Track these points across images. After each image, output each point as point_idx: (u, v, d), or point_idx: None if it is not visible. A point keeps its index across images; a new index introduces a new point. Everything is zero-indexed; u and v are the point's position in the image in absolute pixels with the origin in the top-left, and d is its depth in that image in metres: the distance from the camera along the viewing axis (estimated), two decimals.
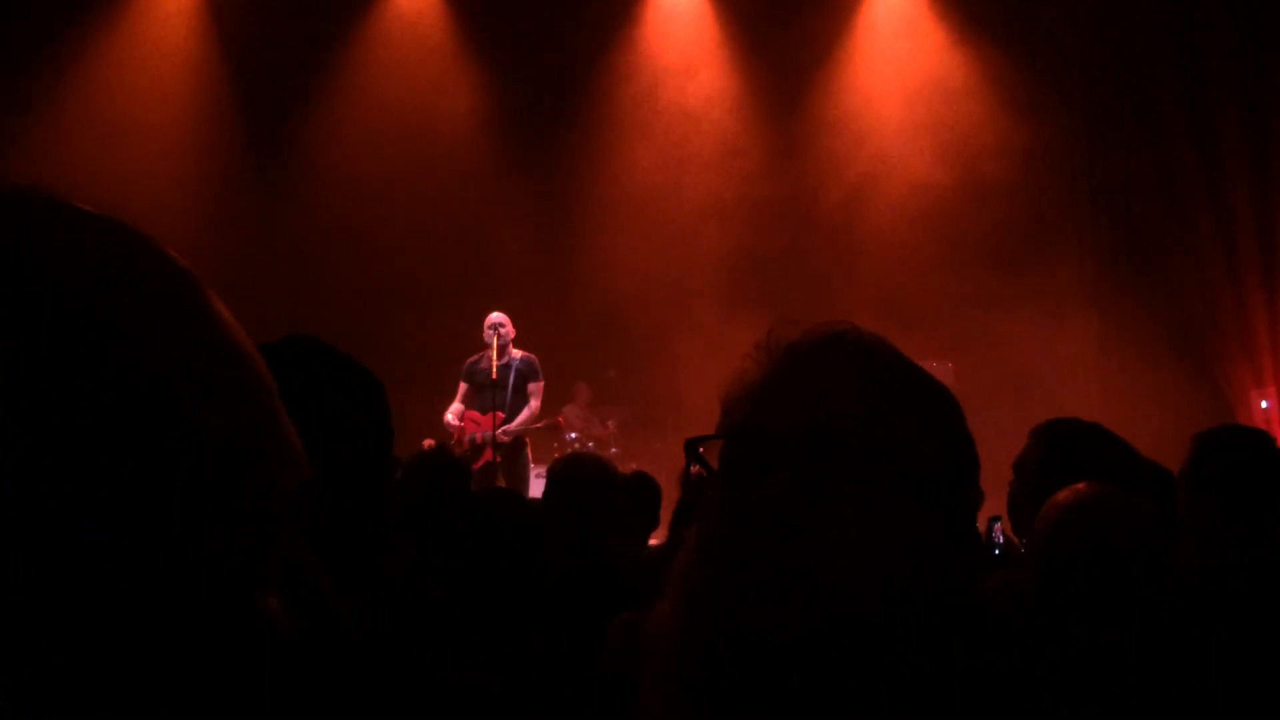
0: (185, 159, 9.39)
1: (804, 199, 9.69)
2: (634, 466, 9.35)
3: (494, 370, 7.10)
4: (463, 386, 7.39)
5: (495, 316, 7.27)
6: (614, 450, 9.13)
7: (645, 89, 9.79)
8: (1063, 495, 1.93)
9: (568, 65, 9.80)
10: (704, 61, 9.88)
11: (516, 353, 7.32)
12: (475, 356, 7.31)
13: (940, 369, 9.23)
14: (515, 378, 7.20)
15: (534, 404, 7.25)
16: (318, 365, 1.22)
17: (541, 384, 7.34)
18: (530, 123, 9.75)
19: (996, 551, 3.82)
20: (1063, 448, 2.29)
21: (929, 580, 0.81)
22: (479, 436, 7.19)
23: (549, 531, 2.59)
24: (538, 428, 7.45)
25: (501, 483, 7.18)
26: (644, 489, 3.64)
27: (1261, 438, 2.51)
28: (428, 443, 6.91)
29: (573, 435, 9.10)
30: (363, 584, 1.19)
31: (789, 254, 9.52)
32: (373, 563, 1.20)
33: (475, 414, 7.30)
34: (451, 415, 7.29)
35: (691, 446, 0.85)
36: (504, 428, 7.10)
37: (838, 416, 0.81)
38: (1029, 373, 8.73)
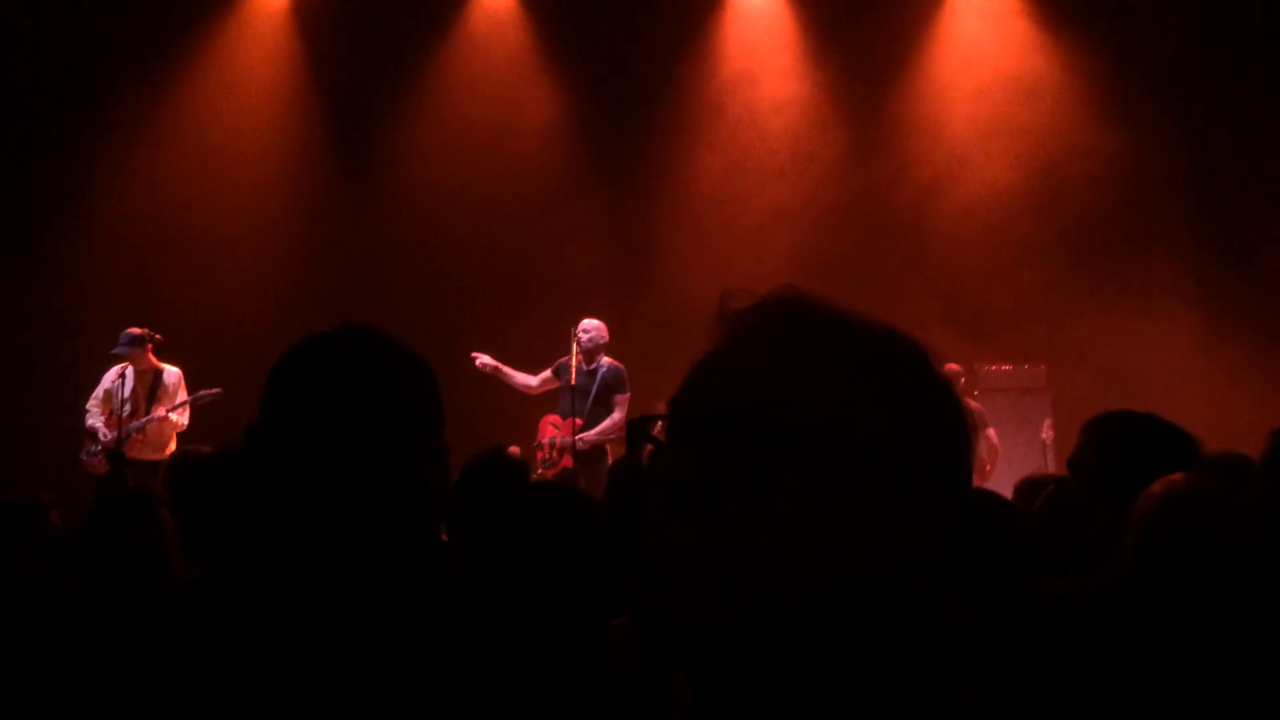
0: (276, 171, 9.67)
1: (878, 200, 9.54)
2: None
3: (574, 375, 7.09)
4: (546, 373, 7.34)
5: (584, 323, 7.20)
6: None
7: (718, 94, 9.75)
8: (1158, 488, 1.86)
9: (644, 71, 9.81)
10: (777, 65, 9.79)
11: (605, 361, 7.23)
12: (567, 357, 7.23)
13: (1032, 372, 9.00)
14: (599, 386, 7.13)
15: (617, 415, 7.13)
16: (370, 350, 1.23)
17: (627, 395, 7.20)
18: (606, 130, 9.78)
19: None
20: (1117, 442, 2.19)
21: (867, 581, 0.70)
22: (557, 441, 7.17)
23: (611, 530, 2.57)
24: (617, 440, 7.36)
25: (583, 486, 7.19)
26: None
27: None
28: (513, 449, 6.92)
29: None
30: (410, 564, 1.19)
31: (864, 258, 9.38)
32: (419, 547, 1.19)
33: (556, 418, 7.28)
34: (487, 359, 7.25)
35: (636, 426, 0.78)
36: (581, 436, 7.06)
37: (758, 388, 0.73)
38: (1127, 374, 8.44)
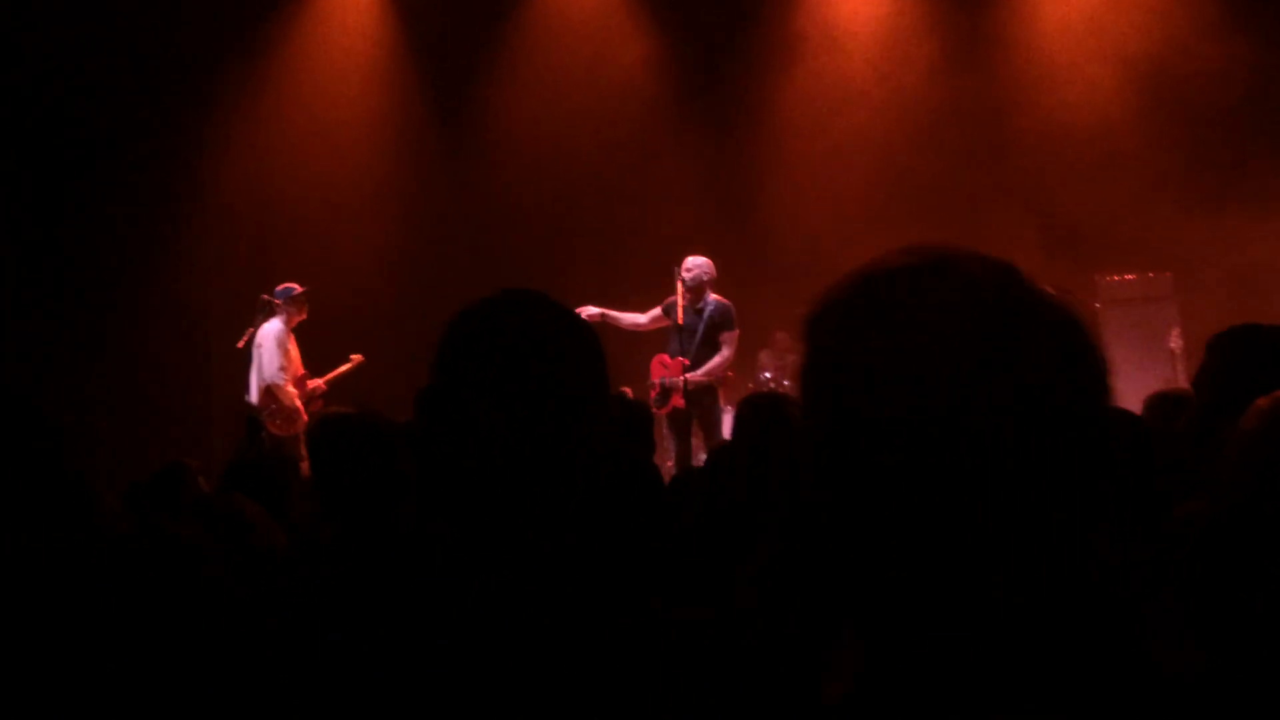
0: (378, 139, 9.83)
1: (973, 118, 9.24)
2: None
3: (680, 314, 7.05)
4: (656, 311, 7.34)
5: (687, 260, 7.09)
6: None
7: (802, 22, 9.53)
8: (1264, 402, 1.76)
9: (728, 9, 9.66)
10: None
11: (713, 298, 7.11)
12: (674, 297, 7.16)
13: (1157, 280, 8.66)
14: (706, 324, 7.05)
15: (726, 352, 7.05)
16: (539, 313, 1.28)
17: (736, 333, 7.11)
18: (700, 64, 9.67)
19: None
20: (1244, 356, 2.08)
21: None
22: (667, 381, 7.17)
23: (737, 470, 2.58)
24: (725, 376, 7.31)
25: (695, 428, 7.21)
26: None
27: None
28: (625, 390, 6.97)
29: (766, 375, 9.04)
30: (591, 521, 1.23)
31: (958, 175, 9.12)
32: (594, 503, 1.23)
33: (665, 357, 7.27)
34: (591, 308, 7.19)
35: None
36: (690, 375, 7.06)
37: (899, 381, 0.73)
38: (1257, 276, 8.06)
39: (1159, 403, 4.10)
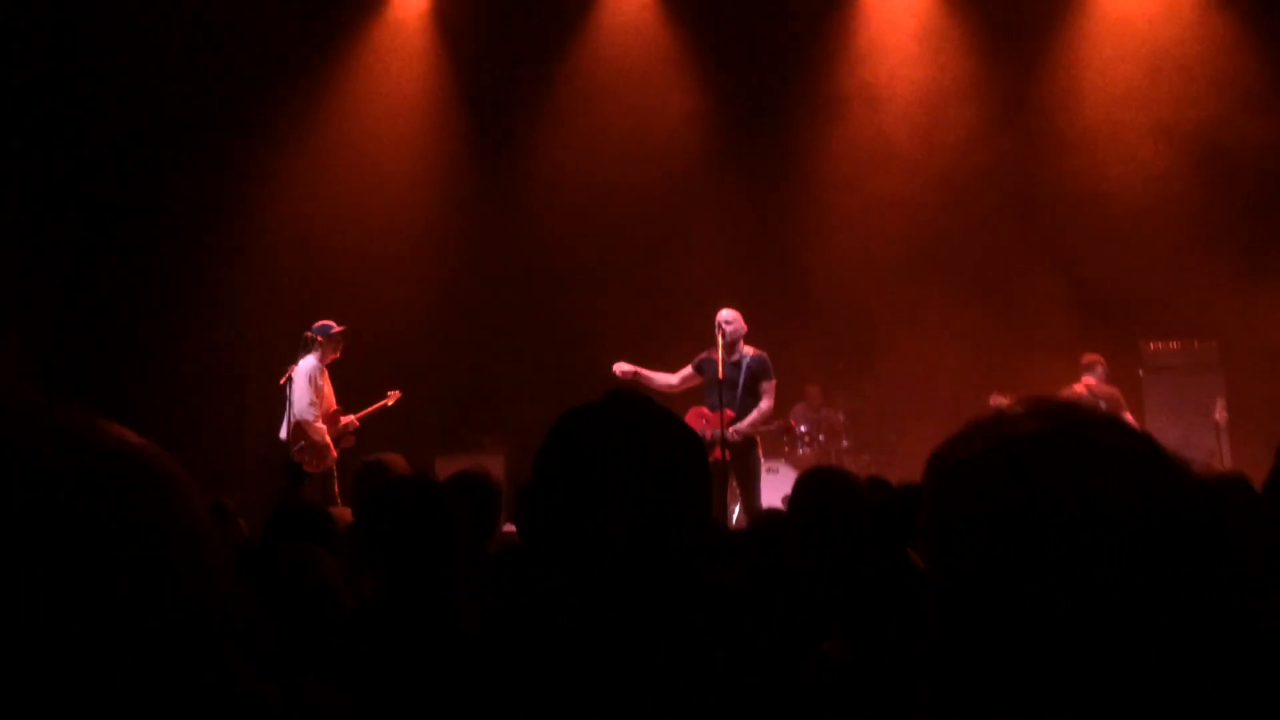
0: (423, 174, 9.95)
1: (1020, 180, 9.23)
2: (866, 459, 9.19)
3: (720, 368, 7.04)
4: (687, 370, 7.35)
5: (724, 313, 7.11)
6: (845, 443, 8.96)
7: (845, 81, 9.59)
8: None
9: (773, 61, 9.74)
10: (911, 45, 9.54)
11: (748, 350, 7.15)
12: (708, 351, 7.17)
13: (1203, 349, 8.54)
14: (746, 376, 7.06)
15: (765, 404, 7.06)
16: (645, 421, 1.26)
17: (774, 382, 7.13)
18: (743, 119, 9.73)
19: None
20: None
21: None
22: (708, 434, 7.12)
23: (797, 542, 2.53)
24: (769, 429, 7.30)
25: (733, 482, 7.14)
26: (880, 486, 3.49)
27: None
28: None
29: (803, 429, 8.99)
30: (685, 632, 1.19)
31: (1004, 240, 9.10)
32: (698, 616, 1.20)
33: (704, 410, 7.24)
34: (626, 366, 7.20)
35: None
36: (734, 427, 7.02)
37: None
38: None
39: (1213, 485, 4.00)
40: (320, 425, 7.21)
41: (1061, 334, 8.55)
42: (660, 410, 1.29)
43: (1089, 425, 0.81)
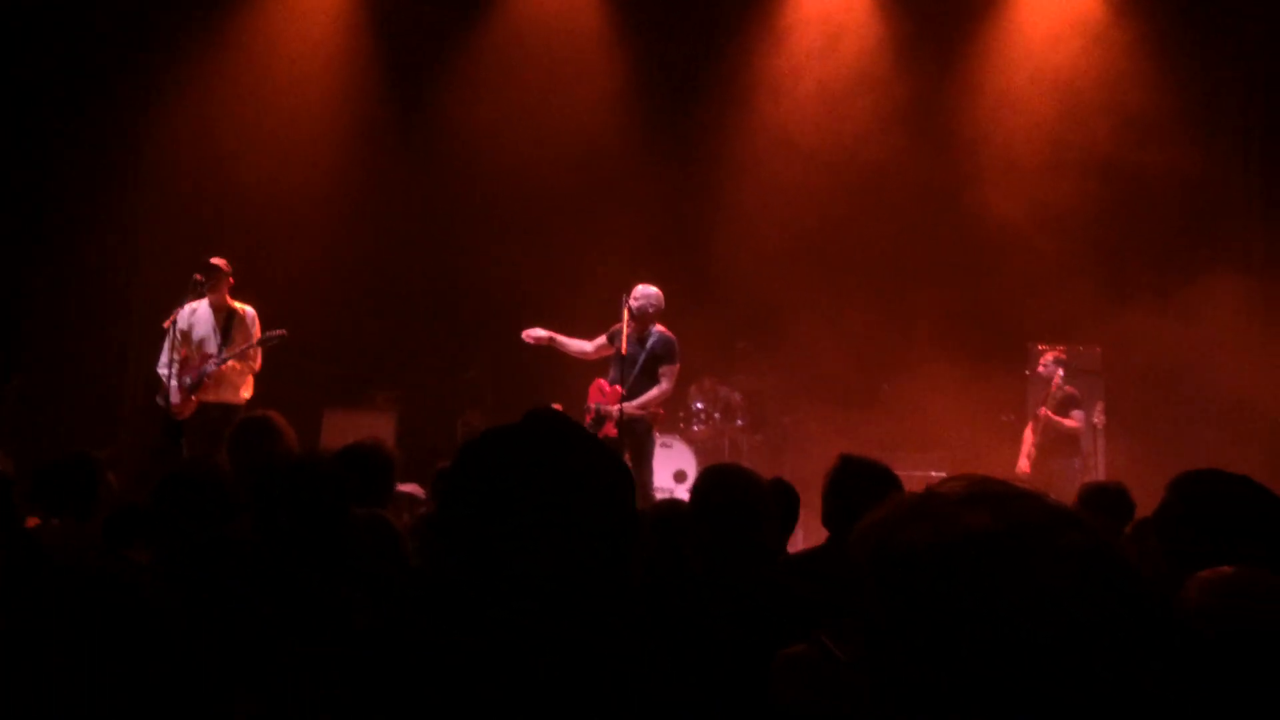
0: (333, 130, 9.57)
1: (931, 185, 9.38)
2: (759, 439, 9.28)
3: (625, 343, 6.98)
4: (601, 339, 7.27)
5: (637, 289, 7.03)
6: (739, 422, 9.02)
7: (766, 70, 9.59)
8: (1206, 576, 1.71)
9: (700, 40, 9.68)
10: (818, 39, 9.55)
11: (658, 330, 7.08)
12: (619, 324, 7.07)
13: (1087, 354, 8.87)
14: (647, 356, 7.00)
15: (664, 385, 7.01)
16: (562, 441, 1.22)
17: (676, 367, 7.06)
18: (661, 99, 9.66)
19: None
20: (1205, 505, 2.11)
21: None
22: (602, 408, 7.07)
23: (697, 540, 2.52)
24: (659, 414, 7.21)
25: (626, 458, 7.12)
26: (781, 494, 3.51)
27: None
28: (555, 406, 6.85)
29: (699, 405, 9.00)
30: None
31: (899, 239, 9.26)
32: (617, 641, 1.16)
33: (604, 384, 7.17)
34: (538, 331, 7.18)
35: None
36: (624, 405, 6.99)
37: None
38: (1179, 360, 8.28)
39: (1095, 494, 4.16)
40: (221, 364, 6.96)
41: (951, 329, 8.77)
42: (581, 432, 1.24)
43: (1045, 524, 0.83)
